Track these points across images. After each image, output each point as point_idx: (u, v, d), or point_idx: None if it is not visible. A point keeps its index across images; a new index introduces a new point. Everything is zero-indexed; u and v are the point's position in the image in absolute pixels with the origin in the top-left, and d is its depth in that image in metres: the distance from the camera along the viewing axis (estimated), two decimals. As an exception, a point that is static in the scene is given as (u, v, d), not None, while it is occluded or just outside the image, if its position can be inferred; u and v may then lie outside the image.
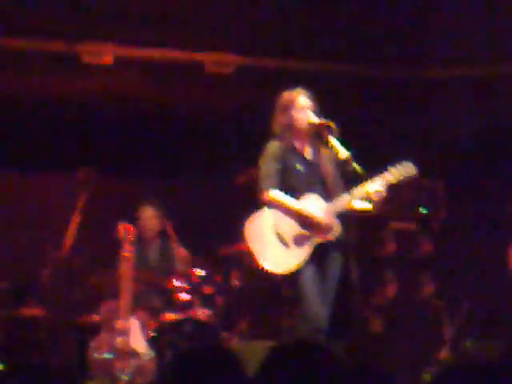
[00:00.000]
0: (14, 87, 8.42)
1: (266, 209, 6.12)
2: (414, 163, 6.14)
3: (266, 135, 6.17)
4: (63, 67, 8.28)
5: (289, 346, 3.22)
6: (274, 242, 6.06)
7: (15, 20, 7.98)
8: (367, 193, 5.95)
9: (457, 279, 7.94)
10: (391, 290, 7.44)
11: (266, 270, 6.08)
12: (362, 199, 6.00)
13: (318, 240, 6.03)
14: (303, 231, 6.04)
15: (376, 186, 5.95)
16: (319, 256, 6.05)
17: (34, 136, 8.38)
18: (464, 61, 8.61)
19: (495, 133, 8.12)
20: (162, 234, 8.10)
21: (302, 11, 8.40)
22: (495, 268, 6.90)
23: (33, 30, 8.06)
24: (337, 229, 6.03)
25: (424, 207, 7.90)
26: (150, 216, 8.00)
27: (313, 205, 6.05)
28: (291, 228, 6.06)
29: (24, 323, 7.95)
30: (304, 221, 6.04)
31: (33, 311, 7.98)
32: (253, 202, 6.17)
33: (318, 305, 5.99)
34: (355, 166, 5.92)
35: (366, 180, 5.96)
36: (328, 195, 6.07)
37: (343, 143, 5.98)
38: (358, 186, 5.94)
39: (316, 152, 6.18)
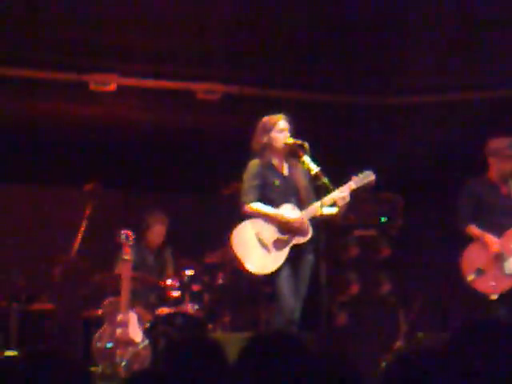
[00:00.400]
0: (30, 111, 8.37)
1: (248, 220, 6.24)
2: (376, 175, 6.22)
3: (247, 153, 6.30)
4: (74, 94, 8.25)
5: (265, 336, 3.19)
6: (256, 247, 6.19)
7: (32, 53, 7.95)
8: (334, 199, 6.06)
9: (411, 279, 7.96)
10: (354, 289, 7.40)
11: (251, 272, 6.19)
12: (329, 205, 6.08)
13: (294, 242, 6.14)
14: (281, 236, 6.17)
15: (341, 193, 6.07)
16: (294, 258, 6.16)
17: (47, 154, 8.31)
18: (420, 90, 8.61)
19: (447, 152, 8.12)
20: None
21: (278, 48, 8.38)
22: (445, 270, 6.87)
23: (48, 62, 8.04)
24: (309, 232, 6.15)
25: (383, 216, 7.87)
26: (161, 227, 8.09)
27: (289, 213, 6.18)
28: (271, 234, 6.18)
29: (37, 316, 7.97)
30: (282, 226, 6.16)
31: (45, 306, 8.04)
32: (236, 213, 6.29)
33: (291, 300, 6.09)
34: (324, 179, 6.01)
35: (333, 190, 6.04)
36: (301, 204, 6.20)
37: (314, 160, 6.09)
38: (327, 195, 6.03)
39: (291, 168, 6.30)
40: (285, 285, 6.12)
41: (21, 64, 8.05)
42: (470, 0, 8.39)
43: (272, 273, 6.14)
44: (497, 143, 6.66)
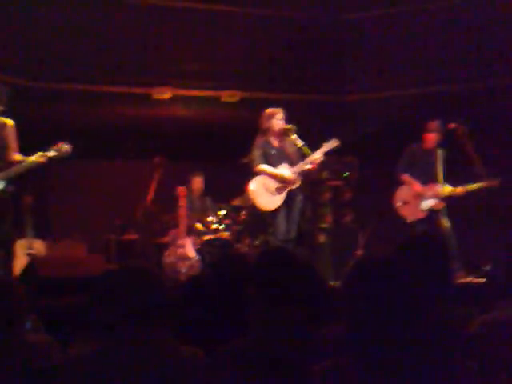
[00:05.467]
0: (110, 116, 8.38)
1: (258, 176, 6.19)
2: (340, 150, 6.16)
3: (255, 135, 6.23)
4: (142, 101, 8.23)
5: (269, 250, 3.28)
6: (264, 193, 6.10)
7: (109, 72, 7.89)
8: (313, 159, 5.98)
9: (365, 212, 7.91)
10: (329, 219, 7.32)
11: (261, 209, 6.16)
12: (309, 163, 6.01)
13: (288, 189, 6.06)
14: (280, 185, 6.08)
15: (317, 154, 5.99)
16: (289, 197, 6.08)
17: (126, 141, 8.36)
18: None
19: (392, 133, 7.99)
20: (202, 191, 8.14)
21: (275, 65, 8.34)
22: (386, 204, 6.68)
23: (124, 81, 8.03)
24: (298, 182, 6.08)
25: (345, 172, 7.79)
26: (197, 181, 8.03)
27: (284, 170, 6.10)
28: (273, 184, 6.09)
29: (127, 243, 8.02)
30: (280, 179, 6.09)
31: (132, 236, 8.07)
32: (251, 173, 6.23)
33: (283, 226, 6.04)
34: (306, 149, 5.97)
35: (311, 154, 5.99)
36: (291, 165, 6.10)
37: (300, 138, 6.02)
38: (308, 158, 5.99)
39: (283, 143, 6.19)
40: (280, 217, 6.04)
41: (107, 82, 7.96)
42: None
43: (274, 209, 6.06)
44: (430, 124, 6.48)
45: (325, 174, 7.15)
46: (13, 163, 5.22)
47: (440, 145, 6.49)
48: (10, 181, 5.20)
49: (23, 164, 5.21)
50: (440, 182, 6.41)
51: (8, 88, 5.32)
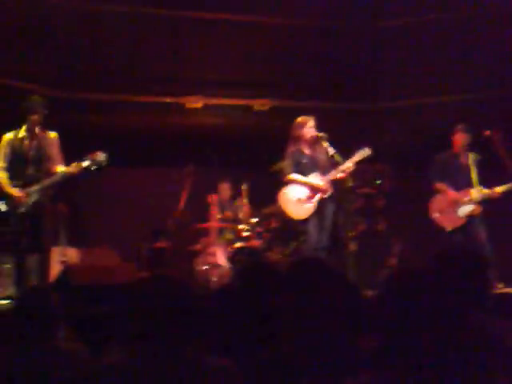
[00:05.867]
0: (144, 125, 8.48)
1: (289, 185, 6.17)
2: (373, 157, 6.12)
3: (285, 143, 6.22)
4: (176, 110, 8.26)
5: (301, 259, 3.25)
6: (295, 202, 6.09)
7: (142, 82, 7.98)
8: (345, 167, 5.96)
9: (398, 220, 7.82)
10: (361, 226, 7.30)
11: (292, 218, 6.15)
12: (340, 172, 5.99)
13: (319, 197, 6.05)
14: (311, 193, 6.06)
15: (349, 163, 5.98)
16: (320, 206, 6.05)
17: (161, 149, 8.39)
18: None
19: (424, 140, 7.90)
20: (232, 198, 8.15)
21: (304, 77, 8.35)
22: (422, 213, 6.62)
23: (160, 91, 8.10)
24: (330, 190, 6.06)
25: (378, 180, 7.78)
26: (225, 188, 8.05)
27: (315, 179, 6.09)
28: (305, 192, 6.08)
29: (158, 252, 8.04)
30: (311, 188, 6.07)
31: (163, 244, 8.09)
32: (282, 182, 6.21)
33: (315, 236, 6.01)
34: (338, 157, 5.96)
35: (344, 163, 5.97)
36: (322, 174, 6.09)
37: (331, 146, 6.01)
38: (340, 166, 5.97)
39: (315, 151, 6.17)
40: (312, 225, 6.02)
41: (140, 92, 8.05)
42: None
43: (305, 218, 6.04)
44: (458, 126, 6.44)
45: (357, 182, 7.09)
46: (53, 174, 5.30)
47: (471, 149, 6.42)
48: (44, 192, 5.27)
49: (57, 175, 5.27)
50: (475, 186, 6.33)
51: (43, 99, 5.39)
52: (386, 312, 1.90)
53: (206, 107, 8.30)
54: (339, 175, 6.02)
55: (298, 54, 8.36)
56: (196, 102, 8.24)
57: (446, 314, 1.85)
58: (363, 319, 2.54)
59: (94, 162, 5.25)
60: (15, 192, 5.22)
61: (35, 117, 5.27)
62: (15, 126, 5.44)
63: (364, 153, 6.06)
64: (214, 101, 8.32)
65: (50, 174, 5.29)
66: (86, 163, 5.24)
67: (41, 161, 5.29)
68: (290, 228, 6.76)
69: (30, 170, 5.29)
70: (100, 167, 5.29)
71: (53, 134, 5.39)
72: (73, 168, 5.25)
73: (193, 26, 8.18)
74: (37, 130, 5.31)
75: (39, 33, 7.53)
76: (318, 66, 8.40)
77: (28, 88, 7.01)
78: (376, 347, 1.98)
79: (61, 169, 5.32)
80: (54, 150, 5.35)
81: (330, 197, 6.08)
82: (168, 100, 8.17)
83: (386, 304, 1.91)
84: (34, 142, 5.32)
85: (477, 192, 6.31)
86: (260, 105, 8.42)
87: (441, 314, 1.84)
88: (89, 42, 7.83)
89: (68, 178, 5.30)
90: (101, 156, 5.27)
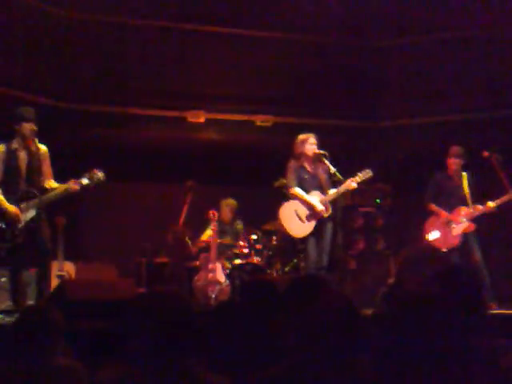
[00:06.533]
0: (146, 138, 8.49)
1: (290, 200, 6.21)
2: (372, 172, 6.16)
3: (288, 159, 6.25)
4: (177, 124, 8.30)
5: (300, 277, 3.31)
6: (295, 219, 6.13)
7: (144, 96, 7.97)
8: (346, 188, 6.02)
9: (397, 239, 7.83)
10: (361, 245, 7.31)
11: (292, 235, 6.19)
12: (341, 192, 6.03)
13: (318, 217, 6.09)
14: (311, 212, 6.10)
15: (351, 183, 6.02)
16: (320, 225, 6.09)
17: (161, 163, 8.35)
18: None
19: (421, 157, 7.98)
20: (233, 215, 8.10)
21: (306, 93, 8.38)
22: (418, 234, 6.69)
23: (161, 105, 8.13)
24: (330, 210, 6.09)
25: (378, 199, 7.77)
26: (226, 208, 7.98)
27: (315, 197, 6.13)
28: (304, 211, 6.12)
29: (158, 266, 7.98)
30: (311, 207, 6.11)
31: (163, 259, 8.04)
32: (283, 198, 6.26)
33: (314, 255, 6.05)
34: (339, 175, 6.01)
35: (345, 182, 6.02)
36: (323, 192, 6.13)
37: (332, 163, 6.07)
38: (342, 186, 6.02)
39: (316, 168, 6.21)
40: (310, 245, 6.06)
41: (142, 105, 8.08)
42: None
43: (304, 236, 6.07)
44: (451, 149, 6.53)
45: (357, 200, 7.13)
46: (46, 190, 5.24)
47: (465, 169, 6.50)
48: (42, 208, 5.20)
49: (56, 191, 5.23)
50: (469, 204, 6.40)
51: (29, 109, 5.26)
52: (384, 330, 1.90)
53: (208, 122, 8.33)
54: (338, 195, 6.06)
55: (301, 71, 8.41)
56: (198, 117, 8.27)
57: (440, 333, 1.84)
58: (361, 337, 2.55)
59: (92, 179, 5.24)
60: (12, 208, 5.13)
61: (29, 126, 5.15)
62: (8, 138, 5.33)
63: (366, 174, 6.12)
64: (216, 115, 8.37)
65: (43, 189, 5.24)
66: (85, 181, 5.24)
67: (34, 174, 5.22)
68: (291, 245, 6.76)
69: (24, 185, 5.22)
70: (98, 184, 5.28)
71: (44, 148, 5.32)
72: (71, 185, 5.22)
73: (196, 40, 8.25)
74: (30, 140, 5.20)
75: (46, 44, 7.57)
76: (322, 84, 8.45)
77: (31, 99, 7.03)
78: (372, 365, 1.99)
79: (59, 185, 5.27)
80: (46, 164, 5.31)
81: (328, 216, 6.11)
82: (170, 114, 8.21)
83: (384, 322, 1.92)
84: (27, 154, 5.23)
85: (469, 209, 6.39)
86: (262, 120, 8.46)
87: (436, 333, 1.85)
88: (89, 53, 7.86)
89: (68, 196, 5.27)
90: (98, 174, 5.26)
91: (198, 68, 8.19)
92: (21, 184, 5.21)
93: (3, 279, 5.96)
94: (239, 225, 7.99)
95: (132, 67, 8.00)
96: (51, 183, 5.32)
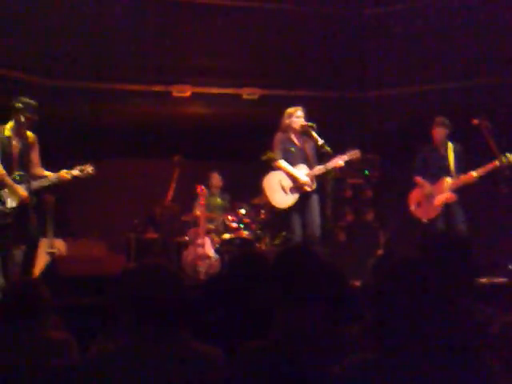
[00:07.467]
0: (132, 114, 8.40)
1: (275, 171, 6.20)
2: (361, 147, 6.16)
3: (274, 132, 6.24)
4: (163, 99, 8.24)
5: (289, 248, 3.30)
6: (278, 190, 6.12)
7: (129, 70, 7.96)
8: (332, 165, 6.00)
9: (386, 210, 7.87)
10: (349, 217, 7.32)
11: (274, 205, 6.18)
12: (327, 168, 6.01)
13: (302, 191, 6.09)
14: (295, 185, 6.09)
15: (339, 161, 6.01)
16: (304, 198, 6.09)
17: (147, 138, 8.30)
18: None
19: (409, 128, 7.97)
20: (221, 189, 8.20)
21: (294, 64, 8.31)
22: (404, 204, 6.76)
23: (146, 79, 8.06)
24: (314, 184, 6.09)
25: (367, 170, 7.79)
26: (215, 178, 8.08)
27: (301, 171, 6.11)
28: (288, 183, 6.10)
29: (147, 242, 8.02)
30: (295, 179, 6.09)
31: (152, 235, 8.08)
32: (270, 171, 6.22)
33: (299, 227, 6.05)
34: (326, 147, 5.93)
35: (333, 156, 5.97)
36: (309, 166, 6.11)
37: (320, 135, 5.99)
38: (328, 163, 5.99)
39: (303, 142, 6.18)
40: (295, 220, 6.06)
41: (127, 80, 8.02)
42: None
43: (287, 207, 6.06)
44: (435, 119, 6.58)
45: (346, 172, 7.11)
46: (37, 176, 5.46)
47: (450, 138, 6.54)
48: (33, 193, 5.40)
49: (48, 179, 5.47)
50: (453, 175, 6.46)
51: (34, 103, 5.44)
52: (373, 300, 1.93)
53: (193, 96, 8.26)
54: (324, 171, 6.04)
55: (287, 42, 8.33)
56: (184, 91, 8.20)
57: (430, 301, 1.87)
58: (349, 307, 2.58)
59: (82, 172, 5.57)
60: (18, 188, 5.33)
61: (27, 119, 5.34)
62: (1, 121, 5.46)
63: (354, 154, 6.12)
64: (202, 89, 8.29)
65: (33, 175, 5.46)
66: (76, 172, 5.54)
67: (25, 162, 5.43)
68: (279, 219, 6.76)
69: (16, 170, 5.40)
70: (87, 177, 5.62)
71: (32, 136, 5.51)
72: (63, 174, 5.48)
73: (181, 12, 8.14)
74: (24, 130, 5.42)
75: (29, 20, 7.49)
76: (308, 54, 8.39)
77: (17, 76, 6.98)
78: (361, 335, 2.02)
79: (50, 174, 5.51)
80: (35, 152, 5.52)
81: (314, 190, 6.11)
82: (155, 88, 8.13)
83: (373, 292, 1.94)
84: (20, 143, 5.42)
85: (451, 180, 6.45)
86: (249, 93, 8.38)
87: (426, 301, 1.87)
88: (74, 29, 7.77)
89: (56, 184, 5.52)
90: (89, 168, 5.60)
91: (182, 41, 8.11)
92: (14, 169, 5.38)
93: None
94: (227, 198, 8.01)
95: (116, 42, 7.90)
96: (40, 170, 5.54)
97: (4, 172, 5.35)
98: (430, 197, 6.56)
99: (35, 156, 5.52)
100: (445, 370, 1.83)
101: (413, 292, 1.87)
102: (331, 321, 2.36)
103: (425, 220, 6.53)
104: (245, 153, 8.19)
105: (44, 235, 6.91)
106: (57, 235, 7.14)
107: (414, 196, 6.69)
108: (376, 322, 1.91)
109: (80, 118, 8.10)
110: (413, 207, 6.66)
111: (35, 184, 5.41)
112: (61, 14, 7.73)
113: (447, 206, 6.45)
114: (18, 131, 5.41)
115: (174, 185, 7.65)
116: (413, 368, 1.82)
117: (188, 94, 8.21)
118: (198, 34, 8.14)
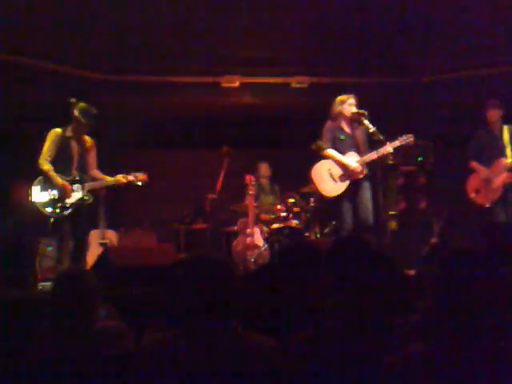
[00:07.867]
0: (181, 105, 8.44)
1: (323, 160, 6.13)
2: (414, 133, 5.99)
3: (324, 121, 6.16)
4: (212, 90, 8.24)
5: (342, 238, 3.24)
6: (328, 179, 6.04)
7: (179, 62, 7.95)
8: (384, 152, 5.87)
9: (440, 198, 7.71)
10: (402, 205, 7.20)
11: (323, 194, 6.09)
12: (379, 155, 5.90)
13: (352, 177, 6.01)
14: (344, 173, 6.01)
15: (389, 148, 5.88)
16: (354, 186, 6.00)
17: (199, 129, 8.41)
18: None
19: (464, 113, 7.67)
20: (270, 178, 8.20)
21: (343, 52, 8.12)
22: (461, 191, 6.68)
23: (195, 71, 8.06)
24: (364, 171, 6.01)
25: (420, 156, 7.67)
26: (264, 168, 8.08)
27: (351, 158, 6.04)
28: (338, 171, 6.02)
29: (196, 232, 8.09)
30: (345, 167, 6.03)
31: (201, 226, 8.14)
32: (319, 160, 6.14)
33: (350, 216, 5.95)
34: (379, 135, 5.83)
35: (385, 144, 5.86)
36: (360, 153, 6.03)
37: (371, 123, 5.89)
38: (379, 150, 5.88)
39: (354, 129, 6.11)
40: (345, 208, 5.97)
41: (176, 72, 8.04)
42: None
43: (337, 196, 6.00)
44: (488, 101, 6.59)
45: (398, 159, 6.98)
46: (94, 178, 5.86)
47: (505, 121, 6.52)
48: (88, 191, 5.81)
49: (106, 181, 5.88)
50: (509, 156, 6.47)
51: (93, 110, 5.73)
52: (429, 290, 1.90)
53: (242, 86, 8.25)
54: (375, 157, 5.94)
55: (337, 29, 8.09)
56: (232, 82, 8.19)
57: (488, 291, 1.82)
58: (402, 297, 2.54)
59: (137, 179, 5.99)
60: (66, 184, 5.66)
61: (87, 126, 5.70)
62: (59, 119, 5.76)
63: (406, 139, 5.98)
64: (251, 79, 8.25)
65: (92, 177, 5.86)
66: (131, 178, 5.97)
67: (83, 164, 5.83)
68: (329, 207, 6.71)
69: (75, 171, 5.77)
70: (140, 184, 6.05)
71: (90, 141, 5.88)
72: (120, 178, 5.89)
73: (229, 2, 8.14)
74: (81, 136, 5.80)
75: (77, 16, 7.55)
76: (357, 41, 8.14)
77: (66, 71, 7.12)
78: (415, 325, 1.98)
79: (106, 177, 5.89)
80: (92, 155, 5.90)
81: (364, 177, 6.03)
82: (204, 80, 8.14)
83: (427, 282, 1.91)
84: (79, 147, 5.81)
85: (508, 160, 6.47)
86: (298, 82, 8.30)
87: (484, 291, 1.83)
88: (125, 23, 7.73)
89: (111, 186, 5.97)
90: (143, 177, 6.02)
91: (231, 32, 8.00)
92: (73, 170, 5.76)
93: (50, 248, 6.47)
94: (276, 188, 8.00)
95: (166, 35, 7.88)
96: (96, 173, 5.92)
97: (50, 167, 5.61)
98: (487, 181, 6.54)
99: (93, 159, 5.88)
100: (495, 360, 1.80)
101: (467, 282, 1.85)
102: (385, 311, 2.34)
103: (487, 205, 6.49)
104: (294, 142, 8.18)
105: (96, 226, 7.05)
106: (109, 226, 7.26)
107: (472, 183, 6.65)
108: (435, 311, 1.87)
109: (131, 110, 8.21)
110: (472, 194, 6.62)
111: (91, 184, 5.78)
112: (114, 10, 7.80)
113: (504, 187, 6.44)
114: (77, 135, 5.75)
115: (223, 175, 7.66)
116: (462, 359, 1.80)
117: (237, 84, 8.19)
118: (247, 25, 8.02)
